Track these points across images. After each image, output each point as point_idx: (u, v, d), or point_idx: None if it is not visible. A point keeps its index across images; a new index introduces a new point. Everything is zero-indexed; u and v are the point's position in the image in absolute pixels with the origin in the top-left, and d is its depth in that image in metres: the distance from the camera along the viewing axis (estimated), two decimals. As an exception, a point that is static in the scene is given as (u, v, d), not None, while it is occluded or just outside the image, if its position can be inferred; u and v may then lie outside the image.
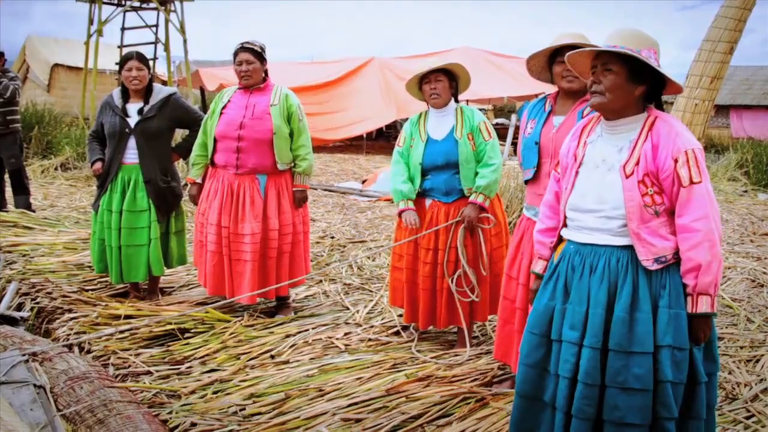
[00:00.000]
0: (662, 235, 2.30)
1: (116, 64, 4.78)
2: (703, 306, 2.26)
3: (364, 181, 11.24)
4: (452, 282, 3.85)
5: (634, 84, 2.31)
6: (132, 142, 4.45)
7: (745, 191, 11.79)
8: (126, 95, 4.50)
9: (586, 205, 2.41)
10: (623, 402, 2.27)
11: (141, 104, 4.47)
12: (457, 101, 3.99)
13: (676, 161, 2.24)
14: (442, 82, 3.83)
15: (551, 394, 2.43)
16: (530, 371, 2.49)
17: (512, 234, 3.45)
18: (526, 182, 3.27)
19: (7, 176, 7.26)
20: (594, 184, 2.39)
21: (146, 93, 4.49)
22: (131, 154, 4.46)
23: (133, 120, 4.44)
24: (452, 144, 3.81)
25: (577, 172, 2.46)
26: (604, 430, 2.32)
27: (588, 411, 2.31)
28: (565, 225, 2.52)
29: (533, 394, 2.49)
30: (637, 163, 2.29)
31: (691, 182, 2.24)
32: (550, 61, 3.19)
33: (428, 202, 3.93)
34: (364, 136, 18.21)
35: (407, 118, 4.19)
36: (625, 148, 2.34)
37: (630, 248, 2.33)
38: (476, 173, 3.82)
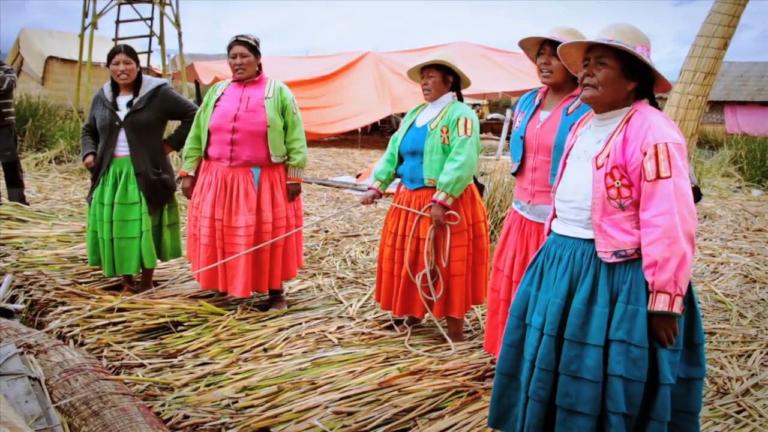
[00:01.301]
0: (625, 229, 2.28)
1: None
2: (660, 304, 2.19)
3: (358, 176, 11.24)
4: (418, 279, 3.90)
5: (626, 79, 2.32)
6: (122, 135, 4.45)
7: (739, 187, 11.83)
8: (116, 88, 4.50)
9: (565, 195, 2.45)
10: (574, 390, 2.30)
11: (131, 97, 4.46)
12: (460, 97, 4.02)
13: (644, 154, 2.22)
14: (434, 77, 3.88)
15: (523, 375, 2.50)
16: (509, 351, 2.57)
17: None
18: (514, 175, 3.30)
19: (0, 169, 7.24)
20: (574, 175, 2.43)
21: (136, 85, 4.49)
22: (122, 147, 4.46)
23: (122, 113, 4.44)
24: (423, 133, 3.88)
25: (565, 163, 2.49)
26: (556, 414, 2.36)
27: (541, 394, 2.37)
28: (555, 215, 2.55)
29: (511, 372, 2.57)
30: (608, 156, 2.29)
31: (658, 176, 2.19)
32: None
33: (402, 188, 4.07)
34: (359, 130, 18.19)
35: (402, 113, 4.26)
36: (603, 140, 2.35)
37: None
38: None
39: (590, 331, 2.29)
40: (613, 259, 2.29)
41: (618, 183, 2.27)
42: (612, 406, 2.25)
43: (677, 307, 2.19)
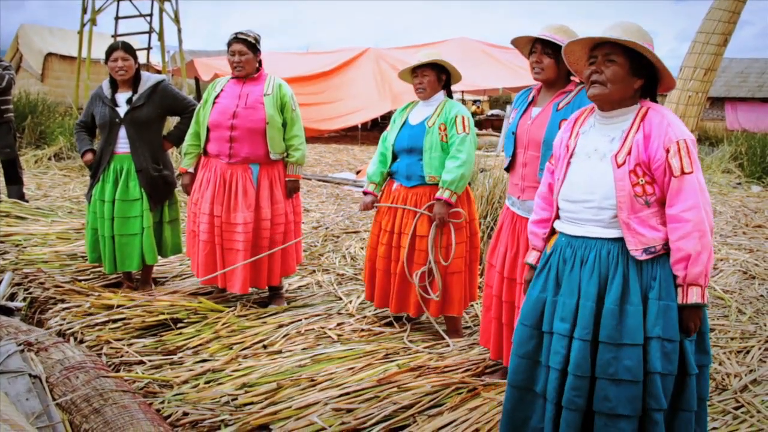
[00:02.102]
0: (652, 225, 2.30)
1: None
2: (693, 297, 2.25)
3: (358, 172, 11.23)
4: (415, 277, 3.90)
5: (634, 77, 2.33)
6: (123, 132, 4.44)
7: (739, 183, 11.82)
8: (115, 85, 4.49)
9: (576, 195, 2.42)
10: (614, 393, 2.28)
11: (130, 94, 4.46)
12: (450, 95, 4.02)
13: (667, 151, 2.24)
14: (428, 76, 3.90)
15: (542, 385, 2.44)
16: (522, 362, 2.51)
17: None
18: (506, 171, 3.33)
19: (-1, 166, 7.24)
20: (585, 175, 2.40)
21: (134, 82, 4.48)
22: (122, 144, 4.46)
23: (122, 110, 4.44)
24: (421, 130, 3.89)
25: (568, 163, 2.47)
26: (594, 421, 2.33)
27: (578, 402, 2.32)
28: (558, 217, 2.53)
29: (525, 385, 2.51)
30: (629, 153, 2.29)
31: (683, 172, 2.23)
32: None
33: (395, 185, 4.06)
34: (359, 126, 18.20)
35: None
36: (617, 139, 2.34)
37: (621, 240, 2.33)
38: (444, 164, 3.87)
39: (626, 330, 2.28)
40: (644, 257, 2.30)
41: (642, 180, 2.28)
42: (654, 403, 2.26)
43: (706, 298, 2.27)
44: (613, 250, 2.35)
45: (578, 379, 2.32)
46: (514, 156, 3.24)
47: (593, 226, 2.39)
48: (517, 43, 3.24)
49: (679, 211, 2.24)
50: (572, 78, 3.19)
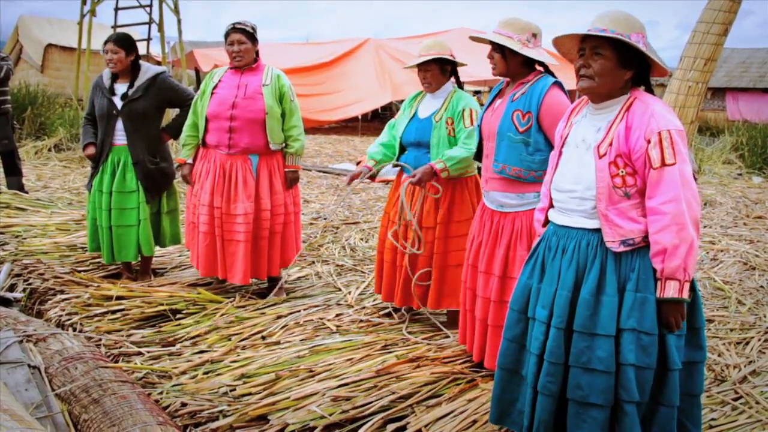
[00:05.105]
0: (632, 217, 2.28)
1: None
2: (670, 291, 2.22)
3: (358, 163, 11.21)
4: (416, 275, 3.87)
5: (623, 68, 2.30)
6: (119, 124, 4.43)
7: (740, 174, 11.80)
8: (115, 75, 4.47)
9: (564, 185, 2.43)
10: (586, 382, 2.29)
11: (128, 85, 4.44)
12: (460, 84, 4.00)
13: (648, 142, 2.21)
14: (431, 71, 3.85)
15: (527, 369, 2.48)
16: (510, 345, 2.56)
17: None
18: (476, 160, 3.42)
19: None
20: (573, 165, 2.41)
21: (133, 73, 4.46)
22: (120, 136, 4.45)
23: (119, 101, 4.42)
24: (428, 125, 3.85)
25: (560, 152, 2.48)
26: (568, 407, 2.35)
27: (551, 388, 2.35)
28: (551, 205, 2.54)
29: (513, 367, 2.56)
30: (610, 144, 2.28)
31: (663, 164, 2.19)
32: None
33: (404, 177, 4.00)
34: (360, 117, 18.17)
35: (402, 100, 4.22)
36: (602, 129, 2.34)
37: (600, 231, 2.33)
38: None
39: (600, 321, 2.29)
40: (621, 248, 2.29)
41: (622, 171, 2.26)
42: (626, 395, 2.26)
43: (686, 293, 2.22)
44: (593, 241, 2.35)
45: (552, 365, 2.35)
46: (480, 148, 3.32)
47: (577, 216, 2.40)
48: (478, 41, 3.34)
49: (658, 203, 2.21)
50: (537, 66, 3.21)
